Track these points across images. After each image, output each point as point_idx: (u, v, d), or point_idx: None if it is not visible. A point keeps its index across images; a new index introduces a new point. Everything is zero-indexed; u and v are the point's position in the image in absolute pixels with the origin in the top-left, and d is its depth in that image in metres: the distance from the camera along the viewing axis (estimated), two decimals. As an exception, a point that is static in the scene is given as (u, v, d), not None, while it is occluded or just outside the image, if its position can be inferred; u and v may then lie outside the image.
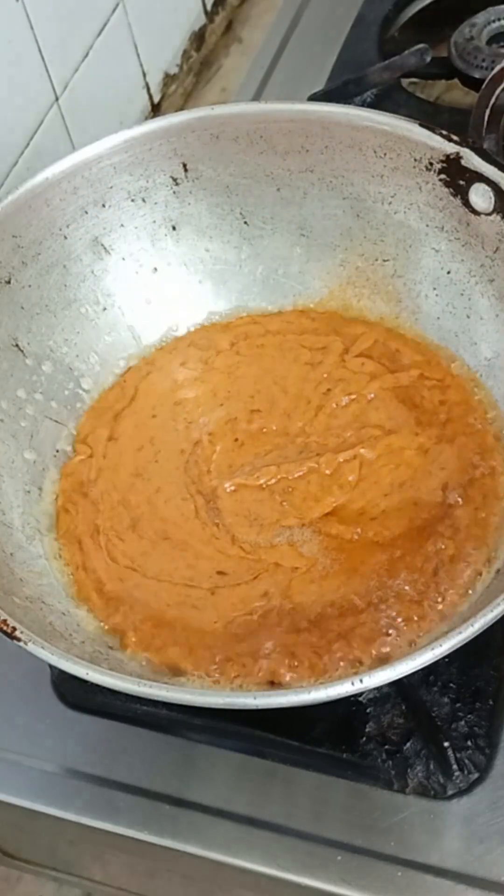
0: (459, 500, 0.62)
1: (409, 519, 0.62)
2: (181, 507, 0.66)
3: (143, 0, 0.94)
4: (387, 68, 0.86)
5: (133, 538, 0.65)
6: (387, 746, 0.58)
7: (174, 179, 0.71)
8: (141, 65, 0.96)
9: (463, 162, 0.64)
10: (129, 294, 0.73)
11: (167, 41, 1.00)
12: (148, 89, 0.98)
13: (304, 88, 0.90)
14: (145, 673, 0.58)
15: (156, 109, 1.00)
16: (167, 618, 0.61)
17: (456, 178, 0.65)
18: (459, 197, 0.65)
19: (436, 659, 0.49)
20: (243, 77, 0.99)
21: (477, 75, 0.84)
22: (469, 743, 0.58)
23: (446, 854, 0.56)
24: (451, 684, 0.59)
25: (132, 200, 0.71)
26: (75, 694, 0.64)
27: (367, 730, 0.59)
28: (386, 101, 0.87)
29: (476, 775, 0.58)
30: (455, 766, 0.57)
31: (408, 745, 0.58)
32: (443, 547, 0.60)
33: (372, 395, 0.68)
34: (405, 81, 0.90)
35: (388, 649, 0.57)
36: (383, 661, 0.56)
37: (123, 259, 0.72)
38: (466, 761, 0.58)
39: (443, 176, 0.66)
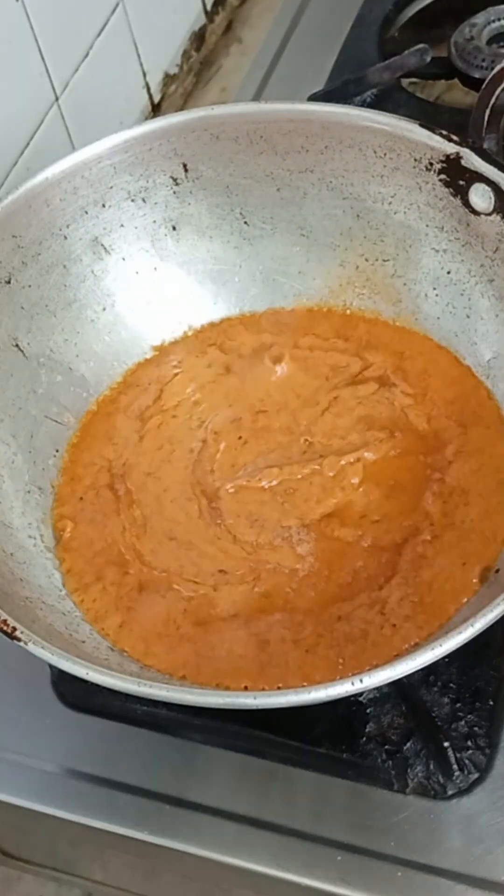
0: (461, 502, 0.62)
1: (411, 521, 0.62)
2: (186, 508, 0.66)
3: (143, 0, 0.94)
4: (387, 68, 0.86)
5: (141, 537, 0.65)
6: (387, 746, 0.58)
7: (174, 179, 0.71)
8: (141, 65, 0.96)
9: (463, 162, 0.64)
10: (129, 294, 0.73)
11: (167, 41, 1.00)
12: (148, 89, 0.98)
13: (304, 88, 0.90)
14: (145, 673, 0.58)
15: (156, 109, 1.00)
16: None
17: (456, 178, 0.65)
18: (459, 197, 0.65)
19: (436, 659, 0.49)
20: (243, 77, 0.99)
21: (477, 75, 0.84)
22: (469, 743, 0.58)
23: (446, 854, 0.56)
24: (451, 684, 0.59)
25: (132, 200, 0.71)
26: (75, 694, 0.64)
27: (367, 730, 0.59)
28: (386, 101, 0.87)
29: (476, 775, 0.58)
30: (455, 766, 0.57)
31: (408, 745, 0.58)
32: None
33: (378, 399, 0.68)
34: (405, 81, 0.90)
35: (388, 649, 0.57)
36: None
37: (123, 259, 0.72)
38: (466, 761, 0.58)
39: (443, 176, 0.66)
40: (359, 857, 0.57)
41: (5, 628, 0.52)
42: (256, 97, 0.94)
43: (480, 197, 0.64)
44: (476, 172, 0.64)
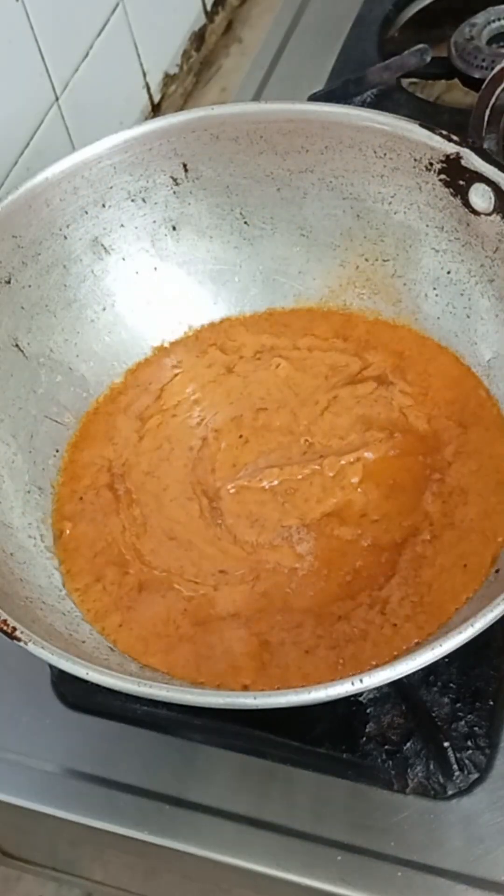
0: (461, 502, 0.62)
1: (411, 521, 0.62)
2: (186, 507, 0.66)
3: (143, 0, 0.94)
4: (387, 68, 0.86)
5: (141, 537, 0.65)
6: (387, 746, 0.58)
7: (174, 179, 0.71)
8: (141, 65, 0.96)
9: (463, 162, 0.64)
10: (129, 294, 0.73)
11: (167, 41, 1.00)
12: (148, 89, 0.98)
13: (304, 88, 0.90)
14: (145, 673, 0.58)
15: (156, 109, 1.00)
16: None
17: (456, 178, 0.65)
18: (459, 197, 0.65)
19: (436, 659, 0.49)
20: (243, 77, 0.99)
21: (477, 75, 0.84)
22: (469, 743, 0.58)
23: (446, 854, 0.56)
24: (451, 684, 0.59)
25: (132, 200, 0.71)
26: (75, 694, 0.64)
27: (367, 730, 0.59)
28: (386, 101, 0.87)
29: (476, 775, 0.58)
30: (455, 766, 0.57)
31: (408, 745, 0.58)
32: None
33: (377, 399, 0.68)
34: (405, 81, 0.90)
35: (388, 649, 0.57)
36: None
37: (123, 259, 0.72)
38: (466, 761, 0.58)
39: (443, 176, 0.66)
40: (359, 857, 0.57)
41: (5, 628, 0.52)
42: (256, 97, 0.94)
43: (480, 197, 0.64)
44: (476, 172, 0.64)
